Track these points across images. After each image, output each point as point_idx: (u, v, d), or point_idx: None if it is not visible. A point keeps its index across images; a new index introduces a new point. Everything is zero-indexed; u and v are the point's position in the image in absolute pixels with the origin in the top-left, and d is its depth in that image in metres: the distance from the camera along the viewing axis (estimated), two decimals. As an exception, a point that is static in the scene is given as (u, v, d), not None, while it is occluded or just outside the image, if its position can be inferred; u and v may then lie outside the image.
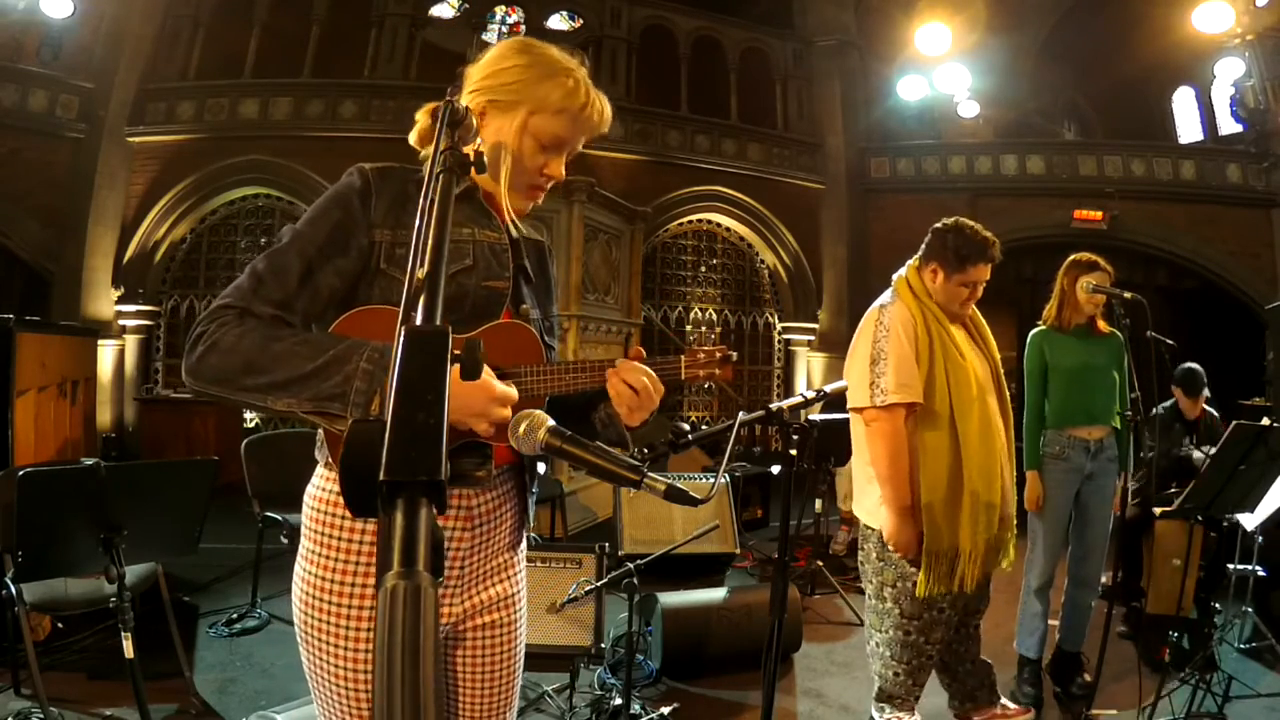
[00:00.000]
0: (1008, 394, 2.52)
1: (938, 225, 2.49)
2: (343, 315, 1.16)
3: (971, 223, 2.45)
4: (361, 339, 1.07)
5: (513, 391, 1.03)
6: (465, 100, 1.24)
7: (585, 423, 1.36)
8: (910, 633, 2.36)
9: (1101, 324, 3.13)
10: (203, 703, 2.94)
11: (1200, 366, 4.41)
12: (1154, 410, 3.16)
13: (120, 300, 8.82)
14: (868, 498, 2.44)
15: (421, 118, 1.25)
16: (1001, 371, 2.53)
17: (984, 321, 2.58)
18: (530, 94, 1.21)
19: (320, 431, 1.19)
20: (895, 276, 2.53)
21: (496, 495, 1.27)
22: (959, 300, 2.45)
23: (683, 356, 1.27)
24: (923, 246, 2.50)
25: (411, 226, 1.19)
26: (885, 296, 2.49)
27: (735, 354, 1.30)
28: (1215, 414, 4.54)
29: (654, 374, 1.21)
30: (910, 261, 2.53)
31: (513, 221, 1.30)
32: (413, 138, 1.28)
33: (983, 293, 2.50)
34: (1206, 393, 4.42)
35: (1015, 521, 2.50)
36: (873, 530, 2.42)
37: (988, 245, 2.40)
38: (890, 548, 2.34)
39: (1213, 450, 4.13)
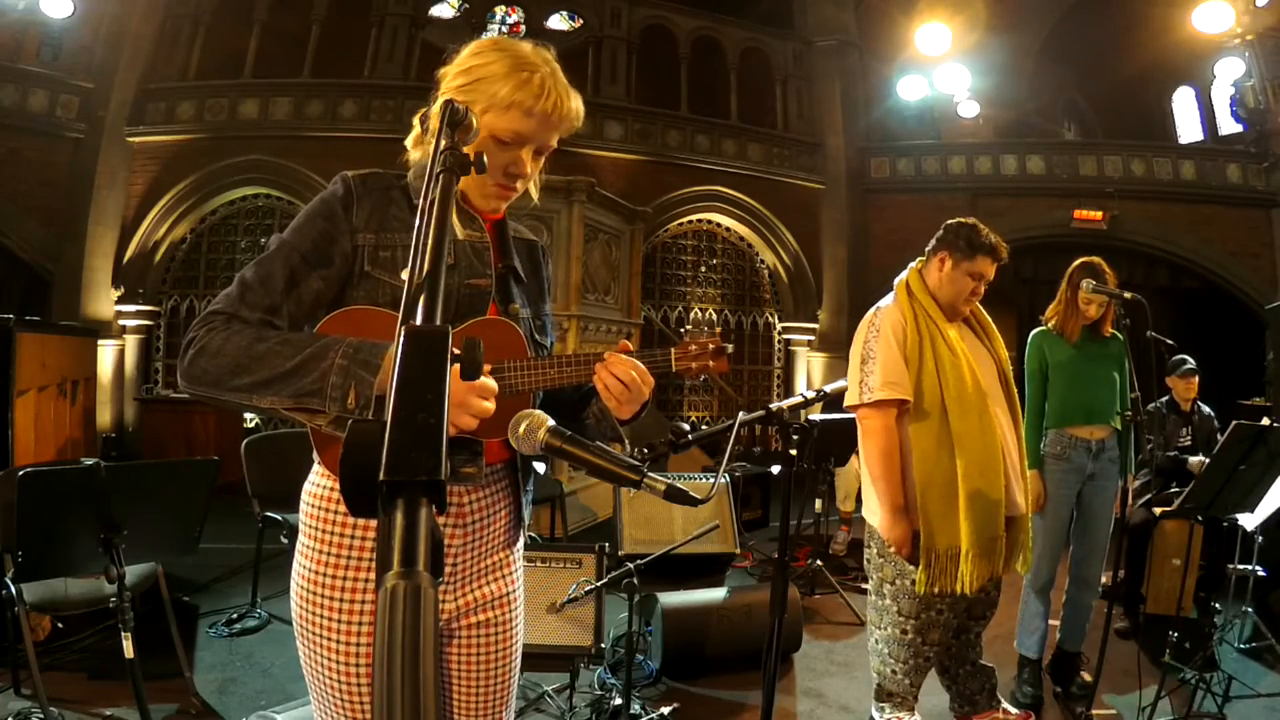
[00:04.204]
0: (1015, 392, 2.53)
1: (950, 221, 2.53)
2: (326, 316, 1.19)
3: (981, 225, 2.51)
4: (339, 336, 1.10)
5: (492, 384, 1.02)
6: (439, 102, 1.26)
7: (577, 419, 1.36)
8: (907, 631, 2.37)
9: (1107, 328, 3.12)
10: (203, 703, 2.94)
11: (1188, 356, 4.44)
12: (1149, 405, 3.18)
13: (120, 300, 8.82)
14: (871, 497, 2.46)
15: (416, 123, 1.28)
16: (1009, 370, 2.54)
17: (989, 320, 2.59)
18: (484, 91, 1.20)
19: (309, 430, 1.20)
20: (896, 281, 2.55)
21: (489, 493, 1.27)
22: (965, 292, 2.46)
23: (673, 349, 1.26)
24: (933, 241, 2.53)
25: (394, 229, 1.23)
26: (884, 300, 2.53)
27: (730, 346, 1.29)
28: (1209, 410, 4.55)
29: (642, 366, 1.21)
30: (912, 265, 2.55)
31: (467, 207, 1.29)
32: (408, 142, 1.31)
33: (983, 293, 2.51)
34: (1197, 374, 4.43)
35: (1029, 523, 2.50)
36: (875, 528, 2.44)
37: (997, 244, 2.48)
38: (886, 544, 2.36)
39: (1202, 458, 4.16)
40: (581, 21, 10.87)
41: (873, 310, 2.50)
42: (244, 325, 1.12)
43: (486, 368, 1.12)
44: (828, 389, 1.74)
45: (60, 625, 3.35)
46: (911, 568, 2.33)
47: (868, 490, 2.49)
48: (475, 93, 1.20)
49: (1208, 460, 3.58)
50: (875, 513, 2.43)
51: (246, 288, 1.16)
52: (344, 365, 1.05)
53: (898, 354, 2.36)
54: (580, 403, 1.37)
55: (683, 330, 10.36)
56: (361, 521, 1.17)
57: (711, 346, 1.26)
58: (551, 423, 1.05)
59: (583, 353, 1.24)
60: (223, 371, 1.08)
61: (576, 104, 1.26)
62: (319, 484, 1.23)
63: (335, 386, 1.05)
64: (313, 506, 1.22)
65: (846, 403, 2.44)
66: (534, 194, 1.35)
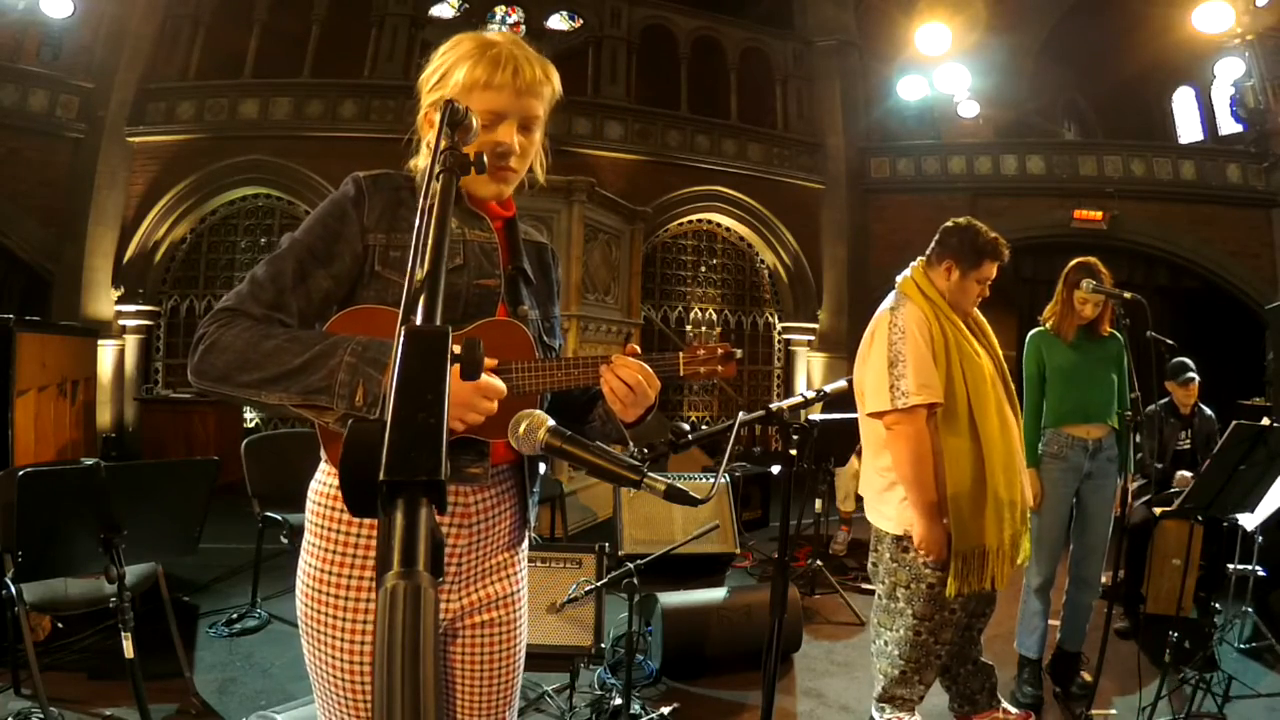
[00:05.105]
0: (1014, 390, 2.53)
1: (948, 225, 2.50)
2: (336, 315, 1.20)
3: (979, 223, 2.49)
4: (347, 334, 1.11)
5: (499, 384, 1.03)
6: (423, 111, 1.29)
7: (584, 420, 1.36)
8: (920, 633, 2.36)
9: (1105, 328, 3.12)
10: (203, 703, 2.94)
11: (1188, 359, 4.42)
12: (1148, 408, 3.17)
13: (120, 300, 8.81)
14: (883, 503, 2.41)
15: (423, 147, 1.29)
16: (1006, 369, 2.53)
17: (984, 320, 2.59)
18: (447, 82, 1.23)
19: (316, 427, 1.20)
20: (899, 278, 2.52)
21: (494, 494, 1.27)
22: (972, 297, 2.46)
23: (681, 353, 1.27)
24: (934, 245, 2.50)
25: (404, 230, 1.23)
26: (891, 299, 2.47)
27: (739, 351, 1.29)
28: (1210, 412, 4.54)
29: (649, 370, 1.21)
30: (914, 264, 2.53)
31: (474, 208, 1.30)
32: (416, 161, 1.31)
33: (988, 294, 2.52)
34: (1196, 380, 4.41)
35: (1028, 517, 2.51)
36: (886, 533, 2.41)
37: (999, 244, 2.46)
38: (922, 553, 2.30)
39: (1184, 473, 4.17)
40: (581, 21, 10.87)
41: (886, 310, 2.44)
42: (252, 321, 1.13)
43: (492, 364, 1.12)
44: (828, 389, 1.74)
45: (60, 625, 3.35)
46: (929, 570, 2.31)
47: (876, 495, 2.45)
48: (445, 86, 1.23)
49: (1193, 475, 3.59)
50: (889, 519, 2.39)
51: (257, 284, 1.16)
52: (352, 363, 1.05)
53: (928, 354, 2.32)
54: (588, 405, 1.37)
55: (684, 331, 10.36)
56: (368, 520, 1.17)
57: (720, 352, 1.26)
58: (551, 423, 1.05)
59: (590, 355, 1.24)
60: (230, 367, 1.09)
61: (540, 70, 1.26)
62: (325, 482, 1.23)
63: (343, 384, 1.05)
64: (319, 504, 1.22)
65: (872, 408, 2.37)
66: (539, 174, 1.36)
